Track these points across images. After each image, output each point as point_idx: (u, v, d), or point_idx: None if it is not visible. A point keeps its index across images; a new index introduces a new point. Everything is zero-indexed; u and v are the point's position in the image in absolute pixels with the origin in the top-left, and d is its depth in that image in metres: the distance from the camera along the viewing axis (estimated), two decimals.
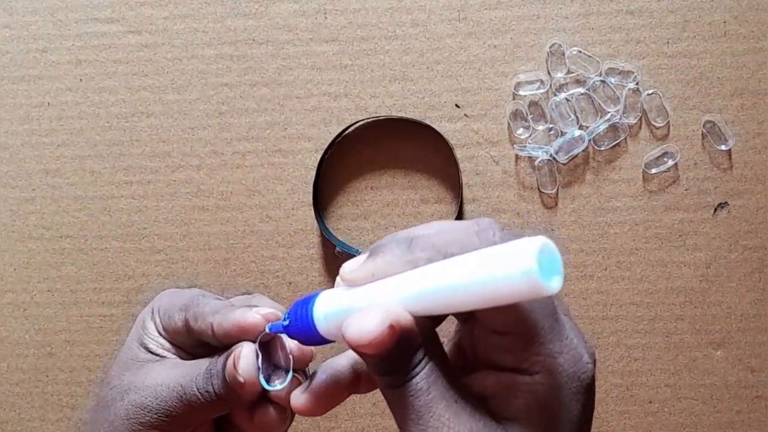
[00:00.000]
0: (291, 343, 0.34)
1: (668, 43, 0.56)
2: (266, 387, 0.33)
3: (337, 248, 0.56)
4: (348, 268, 0.29)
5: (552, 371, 0.26)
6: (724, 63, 0.56)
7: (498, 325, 0.27)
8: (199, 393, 0.34)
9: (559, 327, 0.27)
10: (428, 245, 0.27)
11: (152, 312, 0.37)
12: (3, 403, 0.60)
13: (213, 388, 0.34)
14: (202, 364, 0.35)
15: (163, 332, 0.37)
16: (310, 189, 0.58)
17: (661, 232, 0.57)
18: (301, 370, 0.35)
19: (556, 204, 0.57)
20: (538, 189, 0.57)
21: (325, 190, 0.59)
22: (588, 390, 0.27)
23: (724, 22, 0.56)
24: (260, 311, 0.33)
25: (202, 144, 0.59)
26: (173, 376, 0.35)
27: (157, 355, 0.36)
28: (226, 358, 0.33)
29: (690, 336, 0.57)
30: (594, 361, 0.28)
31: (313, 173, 0.58)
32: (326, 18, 0.58)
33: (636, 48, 0.56)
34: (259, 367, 0.33)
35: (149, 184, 0.59)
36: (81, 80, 0.59)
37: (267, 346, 0.34)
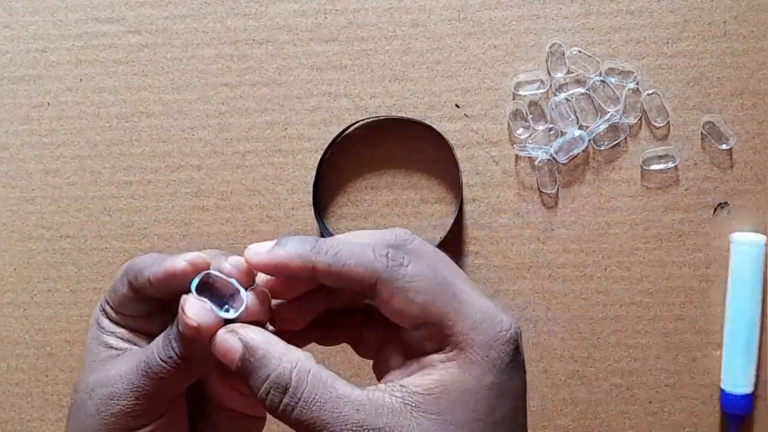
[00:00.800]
0: (229, 270, 0.32)
1: (668, 43, 0.56)
2: (224, 316, 0.31)
3: None
4: (253, 250, 0.30)
5: (465, 346, 0.29)
6: (724, 63, 0.56)
7: (408, 322, 0.29)
8: (162, 360, 0.32)
9: (465, 304, 0.29)
10: (330, 253, 0.30)
11: (101, 305, 0.35)
12: (3, 403, 0.60)
13: (173, 350, 0.32)
14: (160, 337, 0.33)
15: (116, 318, 0.35)
16: (310, 189, 0.58)
17: (661, 232, 0.57)
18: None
19: (556, 204, 0.57)
20: (538, 189, 0.57)
21: (325, 190, 0.59)
22: (511, 343, 0.29)
23: (724, 22, 0.56)
24: (186, 257, 0.33)
25: (202, 144, 0.59)
26: (136, 358, 0.33)
27: (118, 349, 0.34)
28: (177, 316, 0.32)
29: (690, 336, 0.57)
30: (516, 325, 0.30)
31: (313, 173, 0.58)
32: (326, 18, 0.58)
33: (636, 48, 0.56)
34: (210, 307, 0.31)
35: (149, 184, 0.59)
36: (81, 80, 0.59)
37: (211, 289, 0.32)
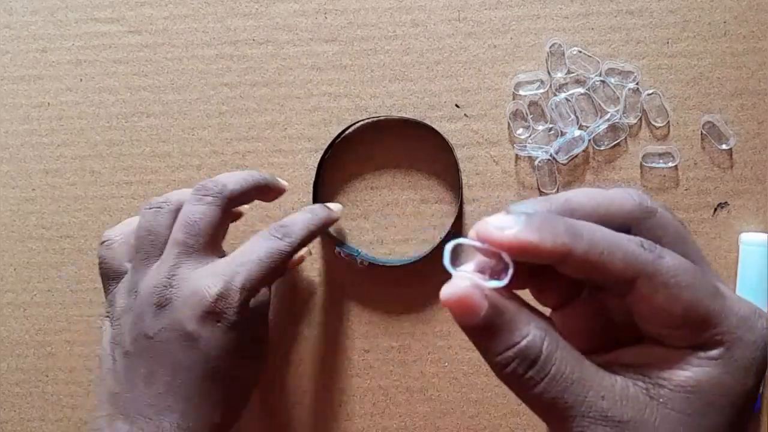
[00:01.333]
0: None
1: (668, 43, 0.56)
2: (494, 285, 0.26)
3: (337, 248, 0.56)
4: (495, 224, 0.26)
5: (732, 346, 0.26)
6: (724, 63, 0.56)
7: (668, 321, 0.26)
8: (292, 247, 0.47)
9: (729, 300, 0.26)
10: (586, 238, 0.26)
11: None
12: (3, 403, 0.60)
13: (287, 240, 0.47)
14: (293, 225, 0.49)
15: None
16: (310, 189, 0.58)
17: None
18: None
19: None
20: (538, 189, 0.57)
21: (325, 190, 0.59)
22: (765, 348, 0.26)
23: (724, 22, 0.56)
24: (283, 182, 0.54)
25: (202, 144, 0.59)
26: (258, 246, 0.47)
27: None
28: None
29: None
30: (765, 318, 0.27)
31: (314, 173, 0.58)
32: (326, 18, 0.58)
33: (636, 48, 0.56)
34: (472, 277, 0.26)
35: (149, 184, 0.59)
36: (81, 80, 0.59)
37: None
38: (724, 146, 0.56)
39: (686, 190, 0.57)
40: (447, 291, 0.26)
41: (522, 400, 0.26)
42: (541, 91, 0.57)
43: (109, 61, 0.59)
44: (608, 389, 0.26)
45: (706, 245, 0.57)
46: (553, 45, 0.57)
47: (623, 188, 0.28)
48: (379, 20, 0.57)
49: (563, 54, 0.57)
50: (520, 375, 0.26)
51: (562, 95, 0.57)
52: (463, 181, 0.57)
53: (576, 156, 0.57)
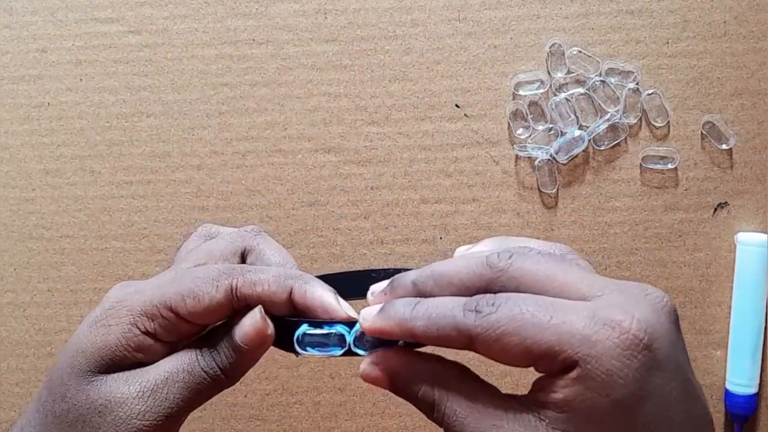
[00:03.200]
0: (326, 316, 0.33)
1: (668, 43, 0.56)
2: (360, 353, 0.32)
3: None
4: (363, 316, 0.31)
5: (582, 363, 0.27)
6: (724, 63, 0.56)
7: (516, 365, 0.28)
8: (206, 372, 0.33)
9: (567, 324, 0.27)
10: (424, 317, 0.29)
11: (129, 318, 0.33)
12: (3, 403, 0.60)
13: (220, 363, 0.33)
14: (188, 353, 0.33)
15: (159, 329, 0.33)
16: (311, 189, 0.58)
17: (661, 232, 0.57)
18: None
19: (556, 204, 0.57)
20: (538, 189, 0.57)
21: (325, 190, 0.59)
22: (635, 347, 0.27)
23: (724, 22, 0.56)
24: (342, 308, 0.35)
25: (202, 144, 0.59)
26: (168, 373, 0.33)
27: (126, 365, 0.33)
28: (233, 330, 0.33)
29: (690, 336, 0.57)
30: (641, 318, 0.27)
31: (313, 173, 0.58)
32: (326, 18, 0.58)
33: (636, 48, 0.56)
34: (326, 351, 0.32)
35: (149, 184, 0.59)
36: (81, 80, 0.59)
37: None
38: (724, 146, 0.56)
39: (686, 190, 0.57)
40: (361, 375, 0.32)
41: None
42: (541, 91, 0.57)
43: (109, 61, 0.59)
44: (501, 418, 0.28)
45: (705, 245, 0.57)
46: (553, 45, 0.57)
47: (477, 256, 0.30)
48: (379, 20, 0.57)
49: (563, 54, 0.57)
50: (432, 418, 0.31)
51: (562, 95, 0.57)
52: (463, 181, 0.57)
53: (576, 156, 0.57)
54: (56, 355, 0.60)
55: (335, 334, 0.32)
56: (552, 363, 0.27)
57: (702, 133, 0.56)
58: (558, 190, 0.57)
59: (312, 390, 0.59)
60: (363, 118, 0.58)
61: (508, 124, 0.57)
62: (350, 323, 0.32)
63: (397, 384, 0.31)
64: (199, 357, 0.33)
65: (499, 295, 0.29)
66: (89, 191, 0.59)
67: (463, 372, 0.31)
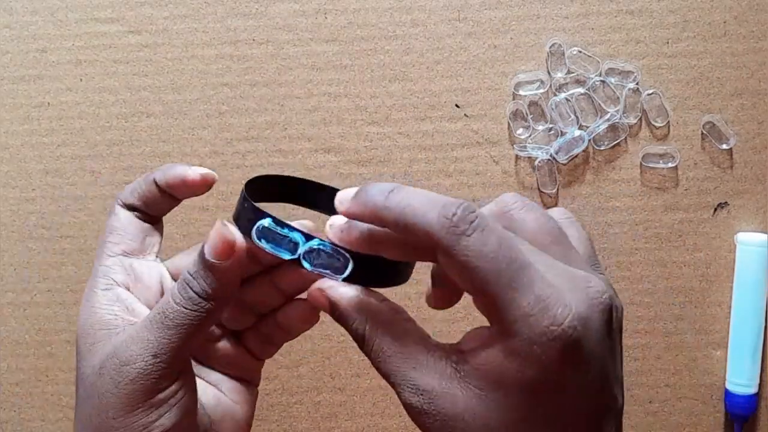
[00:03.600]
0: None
1: (668, 43, 0.56)
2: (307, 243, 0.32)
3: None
4: (339, 199, 0.32)
5: (512, 335, 0.28)
6: (724, 63, 0.56)
7: (465, 290, 0.30)
8: (180, 305, 0.32)
9: (520, 291, 0.27)
10: (398, 208, 0.30)
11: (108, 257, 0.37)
12: (3, 403, 0.60)
13: (193, 289, 0.32)
14: (174, 285, 0.33)
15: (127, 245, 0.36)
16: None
17: (661, 232, 0.57)
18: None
19: (556, 204, 0.57)
20: (538, 189, 0.57)
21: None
22: (560, 340, 0.27)
23: (724, 22, 0.56)
24: (200, 171, 0.37)
25: (202, 144, 0.59)
26: (147, 317, 0.33)
27: (117, 326, 0.34)
28: (201, 248, 0.33)
29: (690, 336, 0.57)
30: (580, 316, 0.28)
31: (313, 173, 0.58)
32: (326, 18, 0.58)
33: (636, 48, 0.56)
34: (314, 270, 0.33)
35: None
36: (81, 80, 0.59)
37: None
38: (724, 146, 0.56)
39: (686, 190, 0.57)
40: (307, 295, 0.33)
41: None
42: (541, 91, 0.57)
43: (109, 61, 0.59)
44: (421, 363, 0.30)
45: (705, 245, 0.57)
46: (553, 45, 0.57)
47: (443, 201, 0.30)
48: (379, 20, 0.57)
49: (563, 54, 0.57)
50: (362, 350, 0.32)
51: (562, 95, 0.57)
52: (463, 181, 0.57)
53: (576, 156, 0.57)
54: (56, 355, 0.60)
55: (290, 240, 0.32)
56: (489, 314, 0.29)
57: (702, 133, 0.56)
58: (558, 190, 0.57)
59: (312, 390, 0.59)
60: (363, 118, 0.58)
61: (508, 124, 0.57)
62: (309, 237, 0.32)
63: (335, 312, 0.32)
64: (173, 296, 0.33)
65: (479, 214, 0.29)
66: (89, 191, 0.59)
67: (396, 314, 0.32)
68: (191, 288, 0.32)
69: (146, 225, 0.38)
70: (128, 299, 0.35)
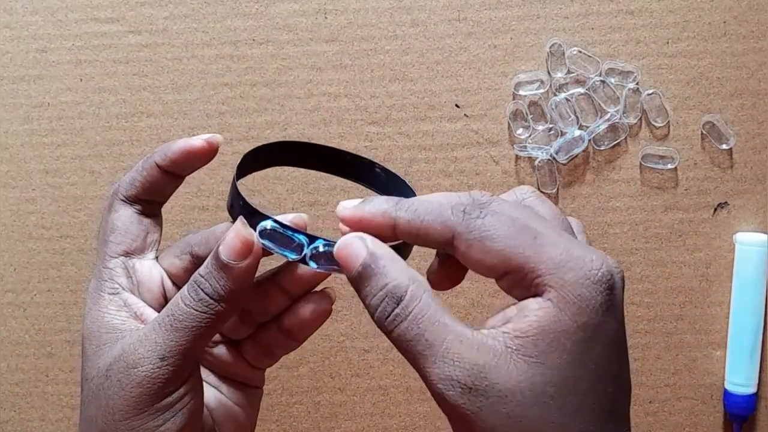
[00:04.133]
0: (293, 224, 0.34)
1: (668, 43, 0.56)
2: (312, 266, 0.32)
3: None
4: (342, 206, 0.32)
5: (555, 285, 0.28)
6: (724, 63, 0.56)
7: (491, 273, 0.29)
8: (189, 306, 0.32)
9: (547, 246, 0.28)
10: (410, 210, 0.30)
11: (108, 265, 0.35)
12: (3, 403, 0.60)
13: (204, 290, 0.32)
14: (183, 288, 0.33)
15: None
16: (311, 189, 0.58)
17: (661, 232, 0.57)
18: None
19: (556, 204, 0.57)
20: (538, 189, 0.57)
21: (324, 189, 0.59)
22: (603, 283, 0.28)
23: (724, 22, 0.56)
24: (203, 136, 0.36)
25: None
26: (156, 319, 0.32)
27: (124, 330, 0.34)
28: (215, 248, 0.32)
29: (690, 336, 0.57)
30: (609, 265, 0.28)
31: (314, 173, 0.57)
32: (326, 18, 0.58)
33: (636, 48, 0.56)
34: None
35: None
36: (81, 80, 0.59)
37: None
38: (724, 146, 0.56)
39: (686, 190, 0.57)
40: (338, 242, 0.31)
41: (394, 344, 0.29)
42: (541, 91, 0.57)
43: (109, 61, 0.59)
44: (467, 336, 0.28)
45: (705, 245, 0.57)
46: (553, 45, 0.57)
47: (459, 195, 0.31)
48: (379, 20, 0.57)
49: (563, 54, 0.57)
50: (388, 314, 0.29)
51: (562, 95, 0.57)
52: (464, 181, 0.57)
53: (576, 156, 0.57)
54: (56, 354, 0.60)
55: (294, 241, 0.33)
56: (521, 280, 0.29)
57: (702, 133, 0.57)
58: (558, 190, 0.57)
59: (312, 390, 0.59)
60: (363, 118, 0.58)
61: (508, 124, 0.57)
62: (312, 238, 0.33)
63: (375, 262, 0.30)
64: (182, 297, 0.32)
65: (490, 201, 0.30)
66: (89, 191, 0.59)
67: (432, 291, 0.31)
68: (202, 289, 0.32)
69: (147, 220, 0.37)
70: (136, 304, 0.35)
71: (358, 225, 0.31)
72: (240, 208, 0.33)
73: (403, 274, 0.30)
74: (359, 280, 0.30)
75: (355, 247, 0.31)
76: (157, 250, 0.37)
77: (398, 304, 0.29)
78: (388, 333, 0.29)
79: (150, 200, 0.37)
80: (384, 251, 0.30)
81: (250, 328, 0.37)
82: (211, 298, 0.32)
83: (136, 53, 0.59)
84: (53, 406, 0.60)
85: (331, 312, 0.37)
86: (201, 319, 0.32)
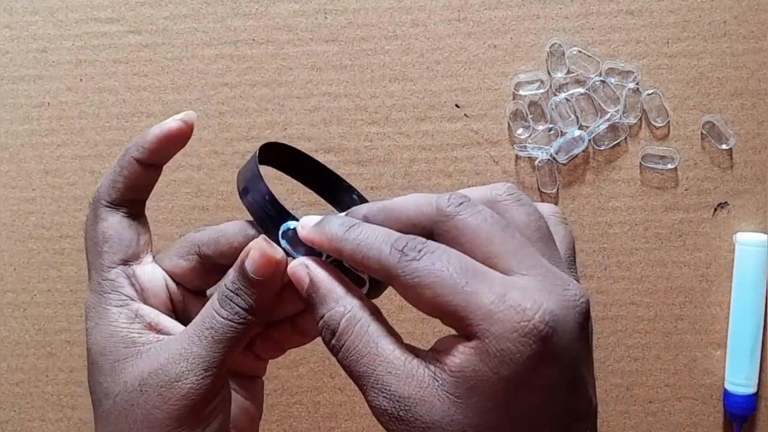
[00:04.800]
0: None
1: (668, 43, 0.56)
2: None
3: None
4: (303, 221, 0.33)
5: (481, 336, 0.28)
6: (724, 63, 0.56)
7: (426, 313, 0.29)
8: (227, 319, 0.33)
9: (478, 294, 0.28)
10: (354, 242, 0.31)
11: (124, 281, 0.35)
12: (3, 403, 0.60)
13: (238, 304, 0.33)
14: (210, 303, 0.33)
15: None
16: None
17: (661, 232, 0.57)
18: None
19: (556, 204, 0.57)
20: (538, 189, 0.57)
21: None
22: (533, 335, 0.27)
23: (724, 22, 0.56)
24: (177, 116, 0.35)
25: (202, 144, 0.59)
26: (188, 333, 0.33)
27: (143, 343, 0.33)
28: (241, 263, 0.33)
29: (690, 336, 0.57)
30: (549, 310, 0.28)
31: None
32: (326, 18, 0.58)
33: (636, 48, 0.56)
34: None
35: None
36: (81, 80, 0.59)
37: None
38: (724, 146, 0.56)
39: (686, 190, 0.57)
40: (288, 268, 0.32)
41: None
42: (541, 91, 0.57)
43: (109, 61, 0.59)
44: (397, 367, 0.29)
45: (705, 245, 0.57)
46: (553, 45, 0.57)
47: (430, 195, 0.31)
48: (379, 20, 0.57)
49: (563, 54, 0.57)
50: (327, 343, 0.31)
51: (562, 95, 0.57)
52: (463, 181, 0.57)
53: (576, 156, 0.57)
54: (56, 354, 0.60)
55: (311, 247, 0.33)
56: (455, 325, 0.29)
57: (702, 133, 0.57)
58: (558, 190, 0.57)
59: (312, 390, 0.59)
60: (363, 118, 0.58)
61: (508, 124, 0.57)
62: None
63: (314, 293, 0.31)
64: (217, 310, 0.33)
65: (428, 243, 0.29)
66: (89, 191, 0.59)
67: (373, 312, 0.31)
68: (235, 303, 0.33)
69: (136, 223, 0.36)
70: (149, 314, 0.35)
71: (313, 245, 0.32)
72: (265, 201, 0.34)
73: (339, 303, 0.31)
74: (307, 305, 0.32)
75: (300, 274, 0.32)
76: (151, 251, 0.37)
77: (333, 336, 0.30)
78: (335, 359, 0.31)
79: (134, 199, 0.36)
80: (323, 277, 0.31)
81: (262, 325, 0.37)
82: (243, 310, 0.33)
83: (136, 53, 0.59)
84: (53, 406, 0.60)
85: None
86: (238, 330, 0.33)
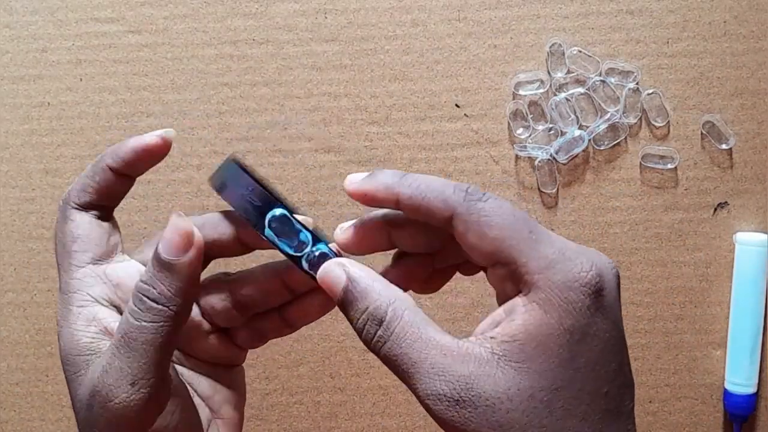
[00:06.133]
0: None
1: (668, 43, 0.56)
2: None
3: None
4: (349, 179, 0.32)
5: (543, 286, 0.28)
6: (724, 63, 0.56)
7: (483, 258, 0.29)
8: (142, 320, 0.30)
9: (542, 243, 0.28)
10: (413, 185, 0.30)
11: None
12: (3, 403, 0.60)
13: (152, 295, 0.30)
14: (127, 309, 0.31)
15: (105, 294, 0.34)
16: (311, 189, 0.58)
17: (661, 232, 0.57)
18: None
19: (556, 204, 0.57)
20: (538, 189, 0.57)
21: (324, 189, 0.59)
22: (592, 286, 0.28)
23: (724, 22, 0.56)
24: (156, 132, 0.35)
25: (202, 144, 0.59)
26: (111, 343, 0.31)
27: (95, 352, 0.32)
28: (156, 249, 0.31)
29: (690, 336, 0.57)
30: (599, 267, 0.28)
31: (314, 173, 0.58)
32: (326, 18, 0.58)
33: (636, 48, 0.56)
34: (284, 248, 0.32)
35: (149, 184, 0.59)
36: (81, 80, 0.59)
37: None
38: (724, 146, 0.56)
39: (686, 190, 0.57)
40: (319, 270, 0.32)
41: (383, 363, 0.29)
42: (541, 91, 0.57)
43: (109, 61, 0.59)
44: (452, 349, 0.28)
45: (705, 245, 0.57)
46: (553, 45, 0.57)
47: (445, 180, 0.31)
48: (379, 20, 0.58)
49: (563, 54, 0.57)
50: (372, 336, 0.29)
51: (562, 95, 0.57)
52: (463, 181, 0.57)
53: (576, 156, 0.57)
54: (56, 354, 0.60)
55: (297, 236, 0.32)
56: (511, 274, 0.29)
57: (702, 133, 0.57)
58: (558, 190, 0.57)
59: (312, 390, 0.59)
60: (363, 118, 0.58)
61: (508, 124, 0.57)
62: (317, 240, 0.32)
63: (354, 289, 0.30)
64: (131, 312, 0.30)
65: (488, 192, 0.30)
66: None
67: (414, 304, 0.31)
68: (148, 297, 0.30)
69: (105, 224, 0.35)
70: (105, 318, 0.33)
71: (363, 198, 0.32)
72: (250, 187, 0.32)
73: (383, 295, 0.30)
74: (343, 306, 0.31)
75: (336, 273, 0.31)
76: (122, 252, 0.36)
77: (380, 326, 0.29)
78: (376, 353, 0.30)
79: (103, 205, 0.35)
80: (363, 273, 0.31)
81: (245, 317, 0.36)
82: (158, 303, 0.30)
83: (136, 53, 0.59)
84: (53, 406, 0.60)
85: (333, 307, 0.36)
86: (155, 330, 0.30)
